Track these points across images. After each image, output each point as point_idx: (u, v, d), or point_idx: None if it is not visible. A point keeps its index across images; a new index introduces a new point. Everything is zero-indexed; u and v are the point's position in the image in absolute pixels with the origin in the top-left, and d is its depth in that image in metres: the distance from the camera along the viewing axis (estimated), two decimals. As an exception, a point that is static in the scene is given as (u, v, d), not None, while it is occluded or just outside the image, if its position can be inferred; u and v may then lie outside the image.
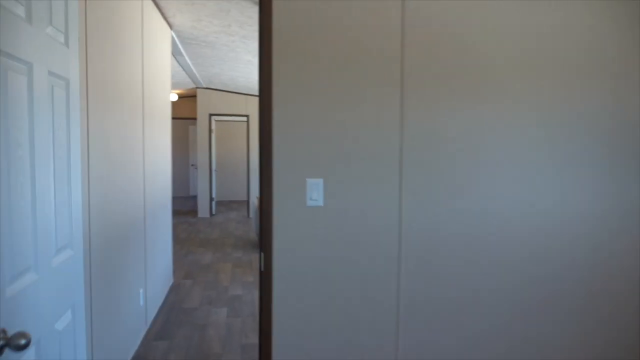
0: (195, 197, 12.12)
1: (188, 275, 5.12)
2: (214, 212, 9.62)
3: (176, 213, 9.91)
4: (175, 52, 5.84)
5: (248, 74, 7.13)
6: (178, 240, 7.05)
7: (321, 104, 1.71)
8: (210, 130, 9.37)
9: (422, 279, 1.80)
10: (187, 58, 6.23)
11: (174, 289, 4.59)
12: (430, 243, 1.80)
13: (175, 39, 5.14)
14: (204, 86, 9.13)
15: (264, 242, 1.79)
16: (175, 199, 12.40)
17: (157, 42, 3.97)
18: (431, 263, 1.81)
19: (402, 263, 1.78)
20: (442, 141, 1.77)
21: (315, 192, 1.72)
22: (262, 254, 1.80)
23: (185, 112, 10.52)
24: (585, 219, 1.89)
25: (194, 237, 7.30)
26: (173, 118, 10.56)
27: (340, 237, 1.75)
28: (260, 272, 1.83)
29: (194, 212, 10.04)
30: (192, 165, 13.20)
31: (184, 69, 7.20)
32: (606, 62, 1.87)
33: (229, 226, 8.35)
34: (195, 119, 9.80)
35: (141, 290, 3.32)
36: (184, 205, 11.14)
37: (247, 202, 9.58)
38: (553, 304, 1.90)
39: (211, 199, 9.43)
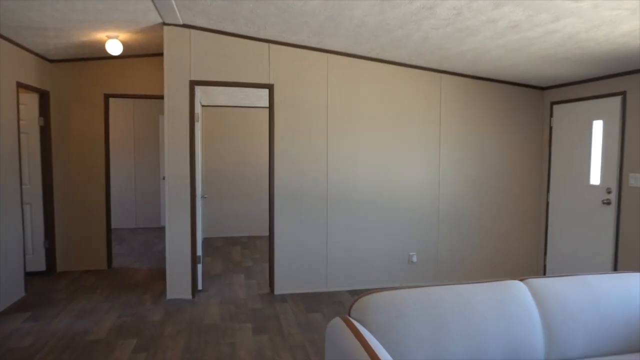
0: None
1: None
2: (200, 285, 4.69)
3: (124, 283, 4.94)
4: None
5: None
6: None
7: None
8: (192, 116, 4.46)
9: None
10: None
11: None
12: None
13: None
14: (180, 22, 4.20)
15: None
16: (135, 231, 7.41)
17: None
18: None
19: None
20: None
21: None
22: None
23: (148, 84, 5.52)
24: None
25: None
26: (127, 96, 5.56)
27: None
28: None
29: (159, 274, 5.10)
30: (164, 178, 8.23)
31: None
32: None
33: (242, 352, 3.45)
34: (162, 97, 4.76)
35: None
36: (145, 255, 6.14)
37: (270, 251, 4.68)
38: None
39: (194, 259, 4.51)
